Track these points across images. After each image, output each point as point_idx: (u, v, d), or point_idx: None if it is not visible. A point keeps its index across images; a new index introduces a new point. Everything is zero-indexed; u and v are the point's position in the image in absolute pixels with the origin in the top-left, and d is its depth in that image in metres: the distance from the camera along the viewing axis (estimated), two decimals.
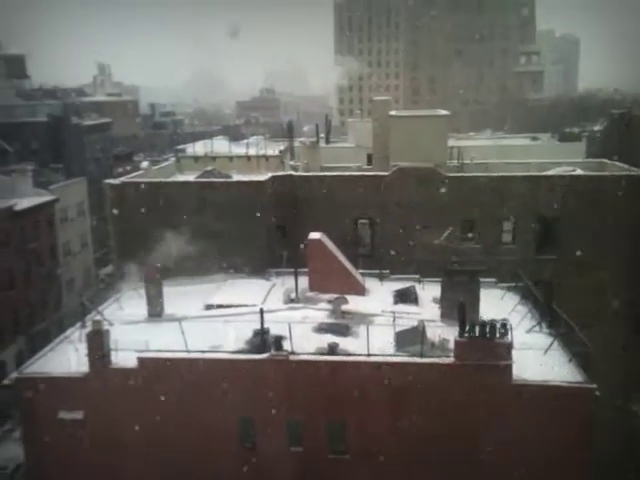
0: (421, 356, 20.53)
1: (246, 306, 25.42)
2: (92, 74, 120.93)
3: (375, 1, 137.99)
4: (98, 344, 21.05)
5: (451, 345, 20.46)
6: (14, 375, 22.38)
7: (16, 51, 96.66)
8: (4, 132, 66.22)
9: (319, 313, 24.92)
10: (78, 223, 63.18)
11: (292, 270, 26.96)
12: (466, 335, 19.77)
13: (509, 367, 19.69)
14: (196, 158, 38.30)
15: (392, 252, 31.82)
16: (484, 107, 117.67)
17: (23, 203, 52.63)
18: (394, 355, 21.07)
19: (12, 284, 50.19)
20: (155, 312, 25.56)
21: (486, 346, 19.64)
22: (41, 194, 56.17)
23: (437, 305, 24.98)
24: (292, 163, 38.95)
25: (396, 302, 26.07)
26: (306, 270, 26.70)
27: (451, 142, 38.13)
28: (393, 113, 35.89)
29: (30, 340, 48.16)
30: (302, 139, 40.95)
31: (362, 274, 28.27)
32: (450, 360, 20.13)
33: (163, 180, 33.40)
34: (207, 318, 24.88)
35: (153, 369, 20.99)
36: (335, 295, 25.51)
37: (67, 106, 73.12)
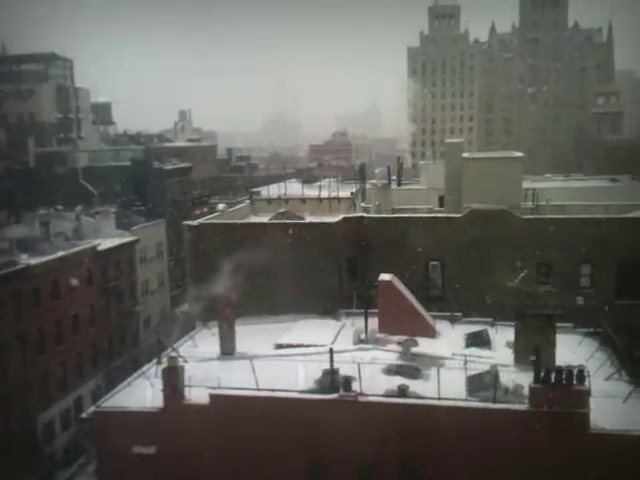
0: (494, 402, 20.00)
1: (316, 346, 25.54)
2: (173, 120, 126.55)
3: (449, 45, 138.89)
4: (173, 380, 21.58)
5: (525, 391, 19.87)
6: (91, 409, 23.15)
7: (103, 99, 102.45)
8: (90, 176, 69.77)
9: (389, 354, 24.74)
10: (156, 262, 65.40)
11: (362, 311, 26.98)
12: (541, 381, 19.18)
13: (586, 415, 18.90)
14: (270, 200, 39.26)
15: (464, 294, 31.36)
16: (561, 149, 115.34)
17: (106, 243, 55.07)
18: (466, 400, 20.62)
19: (93, 321, 52.26)
20: (227, 350, 26.04)
21: (562, 393, 18.95)
22: (123, 235, 58.63)
23: (511, 349, 24.35)
24: (364, 205, 39.27)
25: (468, 345, 25.58)
26: (376, 311, 26.66)
27: (526, 184, 37.57)
28: (466, 155, 35.80)
29: (108, 375, 49.75)
30: (374, 181, 41.31)
31: (433, 316, 27.96)
32: (524, 406, 19.51)
33: (238, 221, 34.36)
34: (277, 357, 25.12)
35: (225, 406, 21.29)
36: (405, 337, 25.30)
37: (149, 151, 76.56)
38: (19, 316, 43.68)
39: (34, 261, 46.07)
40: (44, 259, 47.01)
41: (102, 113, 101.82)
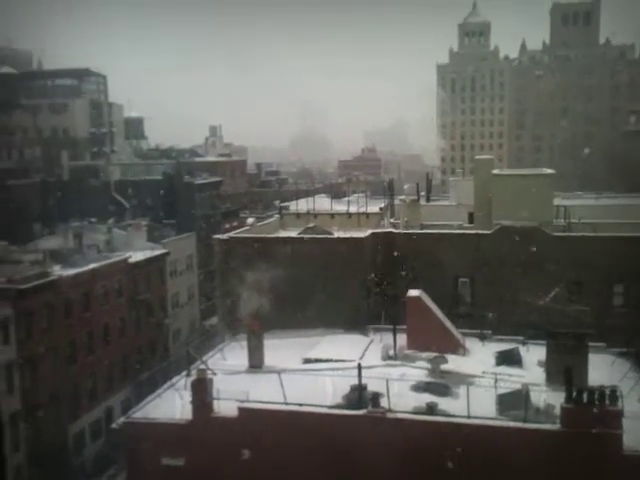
0: (525, 421, 19.76)
1: (344, 361, 25.51)
2: (204, 135, 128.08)
3: (479, 62, 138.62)
4: (202, 392, 21.76)
5: (557, 411, 19.60)
6: (121, 420, 23.42)
7: (136, 114, 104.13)
8: (123, 189, 70.82)
9: (417, 371, 24.61)
10: (186, 276, 65.96)
11: (390, 327, 26.92)
12: (574, 401, 18.91)
13: (619, 436, 18.56)
14: (299, 215, 39.50)
15: (494, 312, 31.06)
16: (592, 166, 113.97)
17: (137, 256, 55.73)
18: (496, 419, 20.40)
19: (124, 332, 52.82)
20: (256, 363, 26.17)
21: (595, 413, 18.66)
22: (154, 248, 59.28)
23: (542, 368, 24.07)
24: (392, 220, 39.26)
25: (498, 363, 25.33)
26: (405, 327, 26.57)
27: (557, 201, 37.23)
28: (496, 171, 35.65)
29: (137, 386, 50.16)
30: (402, 197, 41.32)
31: (462, 333, 27.76)
32: (556, 427, 19.25)
33: (267, 236, 34.60)
34: (305, 371, 25.15)
35: (253, 419, 21.38)
36: (434, 353, 25.15)
37: (181, 165, 77.46)
38: (51, 327, 44.36)
39: (67, 272, 46.80)
40: (76, 271, 47.73)
41: (135, 128, 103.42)
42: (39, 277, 43.97)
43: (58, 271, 46.73)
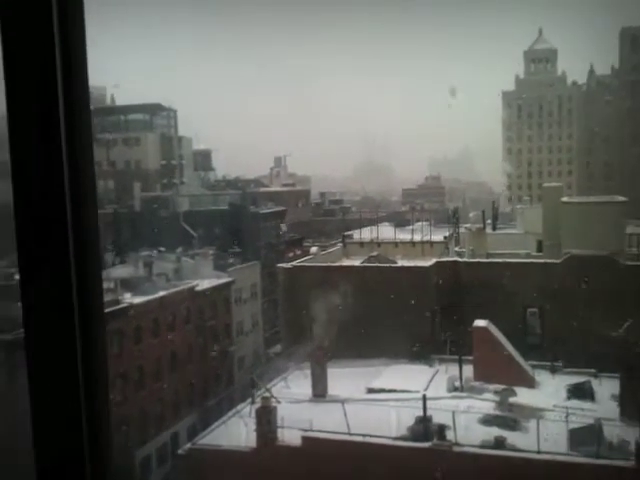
0: (597, 457, 18.98)
1: (408, 392, 25.18)
2: (269, 166, 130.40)
3: (545, 88, 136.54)
4: (266, 420, 21.90)
5: (632, 447, 18.75)
6: (187, 446, 23.79)
7: (204, 147, 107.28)
8: (191, 219, 72.72)
9: (485, 403, 24.05)
10: (251, 304, 66.74)
11: (456, 357, 26.45)
12: None
13: None
14: (362, 243, 39.54)
15: (565, 343, 30.09)
16: None
17: (204, 284, 56.87)
18: (567, 454, 19.68)
19: (190, 359, 53.77)
20: (319, 392, 26.15)
21: None
22: (220, 276, 60.38)
23: (616, 403, 23.12)
24: (457, 249, 38.78)
25: (569, 397, 24.50)
26: (471, 358, 26.07)
27: (629, 229, 36.00)
28: (565, 199, 34.87)
29: (203, 413, 50.78)
30: (468, 225, 40.84)
31: (531, 365, 27.01)
32: (630, 464, 18.41)
33: (330, 264, 34.79)
34: (369, 402, 24.94)
35: (316, 449, 21.32)
36: (502, 386, 24.54)
37: (246, 195, 79.07)
38: (121, 353, 45.62)
39: (137, 300, 48.18)
40: (146, 298, 49.07)
41: (203, 160, 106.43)
42: (111, 304, 45.39)
43: (129, 299, 48.16)
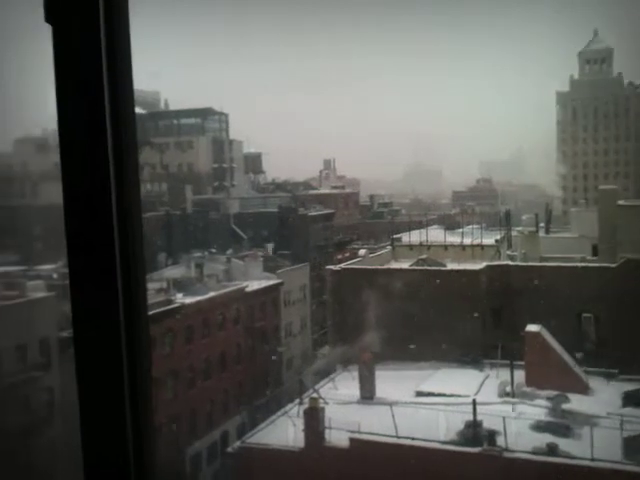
0: None
1: (458, 396, 24.91)
2: (318, 169, 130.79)
3: (601, 89, 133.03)
4: (314, 421, 21.99)
5: None
6: (237, 445, 24.09)
7: (254, 150, 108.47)
8: (241, 221, 73.65)
9: (537, 409, 23.61)
10: (299, 305, 67.05)
11: (507, 362, 26.02)
12: None
13: None
14: (411, 246, 39.27)
15: (621, 350, 29.24)
16: None
17: (253, 285, 57.43)
18: (622, 463, 19.12)
19: (239, 359, 54.37)
20: (367, 394, 26.10)
21: None
22: (269, 278, 60.86)
23: None
24: (509, 253, 38.14)
25: (625, 404, 23.81)
26: (523, 363, 25.61)
27: None
28: (622, 202, 33.93)
29: (252, 413, 51.27)
30: (520, 228, 40.14)
31: (585, 371, 26.36)
32: None
33: (379, 267, 34.69)
34: (418, 405, 24.77)
35: (364, 451, 21.30)
36: (554, 392, 24.03)
37: (295, 198, 79.62)
38: (172, 352, 46.46)
39: (188, 300, 49.02)
40: (197, 299, 49.86)
41: (253, 163, 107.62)
42: (163, 304, 46.32)
43: (180, 299, 49.04)
